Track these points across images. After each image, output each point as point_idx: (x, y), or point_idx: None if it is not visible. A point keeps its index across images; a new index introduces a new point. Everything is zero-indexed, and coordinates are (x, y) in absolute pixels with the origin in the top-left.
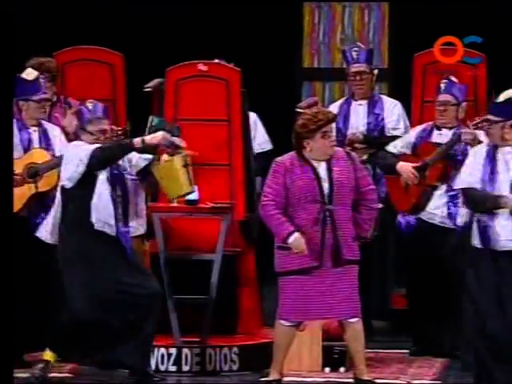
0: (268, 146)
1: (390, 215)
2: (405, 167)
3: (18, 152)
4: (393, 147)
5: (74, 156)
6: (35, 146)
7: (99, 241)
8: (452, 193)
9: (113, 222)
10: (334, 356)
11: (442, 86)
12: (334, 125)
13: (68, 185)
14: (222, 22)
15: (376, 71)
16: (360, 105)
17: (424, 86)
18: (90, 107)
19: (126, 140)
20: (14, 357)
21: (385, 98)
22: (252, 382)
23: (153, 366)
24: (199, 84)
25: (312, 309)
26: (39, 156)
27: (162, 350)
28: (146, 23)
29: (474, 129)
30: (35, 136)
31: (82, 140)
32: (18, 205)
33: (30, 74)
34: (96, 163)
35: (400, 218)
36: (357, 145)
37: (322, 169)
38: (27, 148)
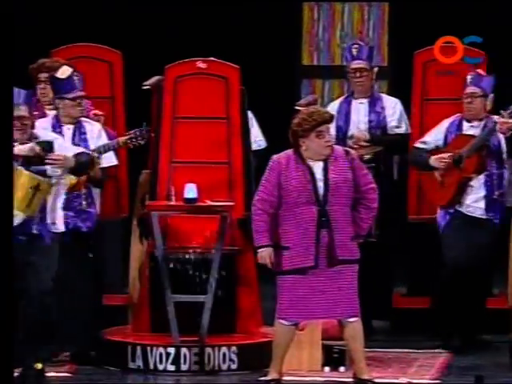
0: (262, 144)
1: (392, 214)
2: (437, 159)
3: None
4: (422, 143)
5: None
6: (66, 143)
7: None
8: (490, 184)
9: None
10: (334, 355)
11: (469, 78)
12: (332, 125)
13: None
14: (220, 19)
15: (376, 69)
16: (361, 103)
17: (424, 83)
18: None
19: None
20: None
21: (384, 96)
22: (251, 381)
23: (151, 365)
24: (198, 82)
25: (309, 308)
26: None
27: (161, 349)
28: (144, 21)
29: (510, 117)
30: (68, 133)
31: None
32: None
33: (64, 72)
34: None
35: (438, 213)
36: (362, 143)
37: (318, 168)
38: None
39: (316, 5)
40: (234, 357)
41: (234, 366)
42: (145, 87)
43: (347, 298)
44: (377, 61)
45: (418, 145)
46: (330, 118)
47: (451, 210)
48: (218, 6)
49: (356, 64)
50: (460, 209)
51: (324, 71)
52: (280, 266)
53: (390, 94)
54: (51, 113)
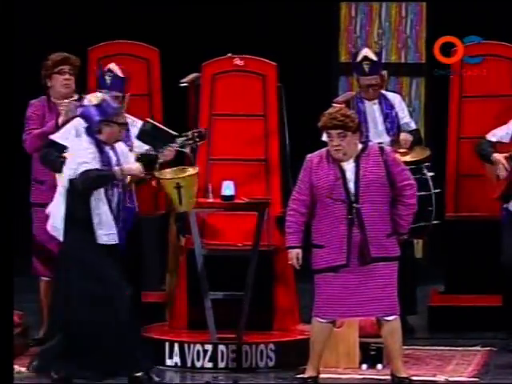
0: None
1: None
2: (498, 158)
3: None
4: (492, 135)
5: (73, 159)
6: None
7: (92, 240)
8: None
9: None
10: (371, 353)
11: None
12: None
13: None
14: (259, 17)
15: (385, 73)
16: (374, 104)
17: (461, 80)
18: (110, 98)
19: (108, 171)
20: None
21: (388, 93)
22: (288, 378)
23: (189, 363)
24: (235, 79)
25: (344, 306)
26: None
27: (198, 346)
28: (182, 19)
29: None
30: None
31: (102, 133)
32: None
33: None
34: (78, 185)
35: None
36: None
37: (349, 166)
38: None
39: (354, 1)
40: (271, 354)
41: (271, 364)
42: (182, 84)
43: (384, 296)
44: (414, 58)
45: (487, 136)
46: (334, 125)
47: (504, 206)
48: (257, 3)
49: (369, 80)
50: (509, 206)
51: None
52: (314, 265)
53: (426, 92)
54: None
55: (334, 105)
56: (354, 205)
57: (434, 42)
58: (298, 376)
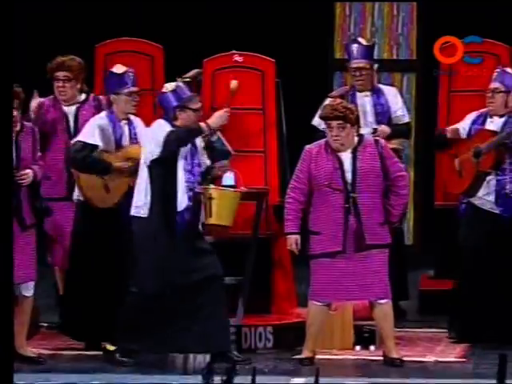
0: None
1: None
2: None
3: (111, 144)
4: (450, 134)
5: (155, 136)
6: (126, 140)
7: (172, 224)
8: (501, 179)
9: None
10: (365, 335)
11: (495, 74)
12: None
13: (148, 162)
14: (259, 16)
15: (376, 65)
16: (366, 96)
17: (450, 76)
18: (183, 86)
19: (196, 125)
20: (13, 355)
21: (385, 87)
22: (285, 359)
23: None
24: (235, 74)
25: (340, 290)
26: (136, 151)
27: None
28: (184, 18)
29: None
30: (125, 129)
31: (179, 119)
32: (116, 198)
33: (119, 68)
34: (169, 144)
35: (465, 202)
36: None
37: (346, 157)
38: (119, 140)
39: (348, 2)
40: (269, 336)
41: (269, 345)
42: (185, 80)
43: (377, 281)
44: (406, 55)
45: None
46: (335, 116)
47: (465, 201)
48: (257, 3)
49: (356, 63)
50: (472, 200)
51: None
52: (311, 250)
53: (418, 87)
54: (69, 109)
55: (329, 99)
56: (351, 194)
57: (425, 40)
58: (295, 357)
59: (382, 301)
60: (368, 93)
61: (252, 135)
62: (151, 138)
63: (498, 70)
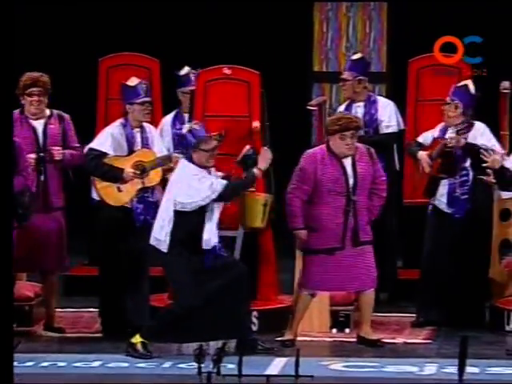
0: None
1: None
2: (422, 156)
3: (123, 150)
4: (422, 138)
5: (203, 186)
6: (138, 146)
7: (201, 255)
8: (452, 183)
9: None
10: (340, 319)
11: (451, 89)
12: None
13: (185, 209)
14: (246, 33)
15: (359, 78)
16: (358, 106)
17: (418, 87)
18: (198, 127)
19: (250, 175)
20: (12, 352)
21: (380, 98)
22: (270, 340)
23: None
24: (224, 85)
25: (333, 281)
26: (145, 155)
27: None
28: (180, 33)
29: (457, 134)
30: (138, 136)
31: (192, 159)
32: (128, 197)
33: (133, 80)
34: (226, 196)
35: (430, 204)
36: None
37: (347, 163)
38: (131, 147)
39: (325, 19)
40: (255, 320)
41: (255, 328)
42: (309, 107)
43: (368, 273)
44: (377, 67)
45: (418, 138)
46: (355, 127)
47: (433, 204)
48: (246, 22)
49: (344, 75)
50: (431, 201)
51: (332, 76)
52: (310, 245)
53: (387, 96)
54: (38, 124)
55: (308, 107)
56: (352, 197)
57: (393, 55)
58: (278, 339)
59: (369, 290)
60: (361, 103)
61: (239, 140)
62: (187, 185)
63: (454, 85)
